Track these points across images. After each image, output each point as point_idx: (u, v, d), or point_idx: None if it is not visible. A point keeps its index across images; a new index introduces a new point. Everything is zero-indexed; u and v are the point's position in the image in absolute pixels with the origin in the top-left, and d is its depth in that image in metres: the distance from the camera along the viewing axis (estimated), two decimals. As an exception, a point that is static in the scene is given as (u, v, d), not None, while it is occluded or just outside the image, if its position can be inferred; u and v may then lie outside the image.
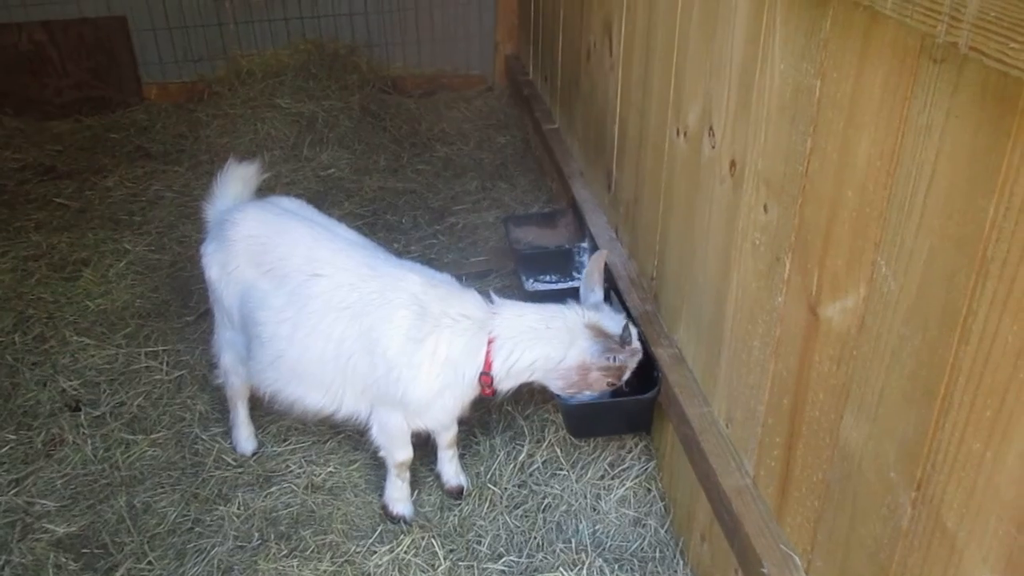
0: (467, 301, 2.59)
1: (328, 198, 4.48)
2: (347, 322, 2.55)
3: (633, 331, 2.60)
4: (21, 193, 4.54)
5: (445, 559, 2.65)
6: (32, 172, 4.75)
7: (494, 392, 2.61)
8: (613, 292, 2.95)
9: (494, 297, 2.64)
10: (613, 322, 2.57)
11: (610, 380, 2.57)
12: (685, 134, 2.42)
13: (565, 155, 3.97)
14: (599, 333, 2.53)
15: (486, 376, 2.55)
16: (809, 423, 1.80)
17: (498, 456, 2.99)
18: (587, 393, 2.62)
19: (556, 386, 2.63)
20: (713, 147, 2.21)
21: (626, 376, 2.60)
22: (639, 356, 2.62)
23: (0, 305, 3.69)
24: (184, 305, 3.71)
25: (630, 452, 2.94)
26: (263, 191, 3.08)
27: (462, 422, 2.89)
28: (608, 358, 2.52)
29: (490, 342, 2.54)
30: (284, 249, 2.67)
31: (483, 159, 4.91)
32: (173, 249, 4.09)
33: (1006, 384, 1.19)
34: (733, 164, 2.08)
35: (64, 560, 2.64)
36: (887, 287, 1.47)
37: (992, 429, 1.23)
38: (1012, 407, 1.19)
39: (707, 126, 2.23)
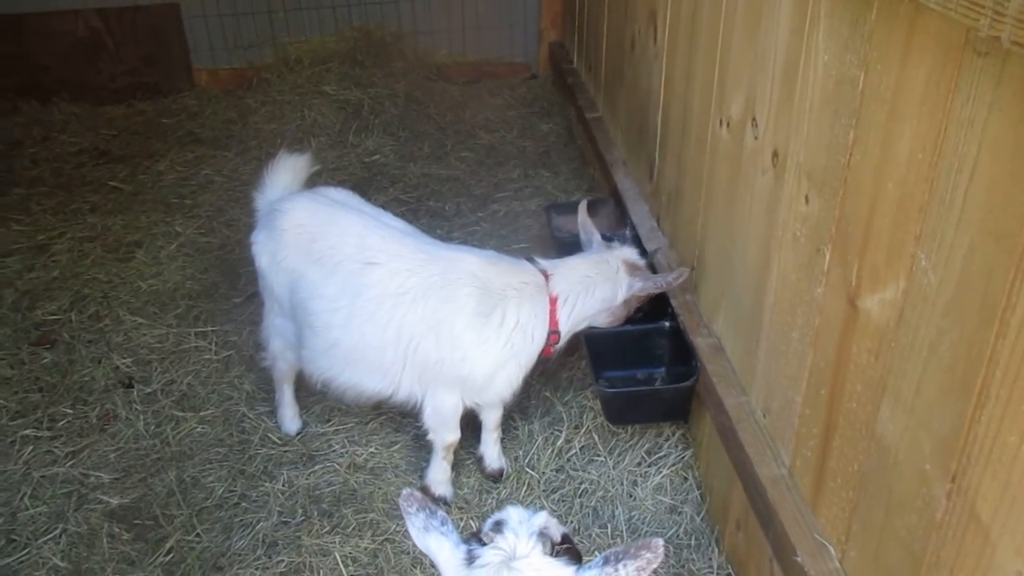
0: (524, 269, 2.77)
1: (373, 184, 4.55)
2: (407, 307, 2.63)
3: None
4: (77, 176, 4.68)
5: (482, 540, 2.70)
6: (88, 156, 4.89)
7: (552, 351, 2.77)
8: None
9: (538, 260, 2.82)
10: (634, 253, 2.91)
11: (638, 304, 2.90)
12: (728, 124, 2.42)
13: (607, 144, 3.98)
14: (633, 267, 2.83)
15: (554, 335, 2.73)
16: (846, 414, 1.81)
17: (536, 441, 3.03)
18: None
19: (603, 321, 2.88)
20: (756, 138, 2.21)
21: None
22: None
23: (58, 284, 3.82)
24: (232, 287, 3.81)
25: (667, 440, 2.96)
26: (310, 180, 3.14)
27: (503, 410, 2.93)
28: (657, 283, 2.79)
29: (553, 301, 2.71)
30: (334, 238, 2.73)
31: (526, 147, 4.94)
32: (222, 232, 4.19)
33: (1043, 378, 1.20)
34: (775, 155, 2.09)
35: (117, 530, 2.75)
36: (926, 280, 1.47)
37: (1028, 423, 1.23)
38: (1048, 401, 1.19)
39: (750, 117, 2.24)
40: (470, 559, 1.52)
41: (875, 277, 1.65)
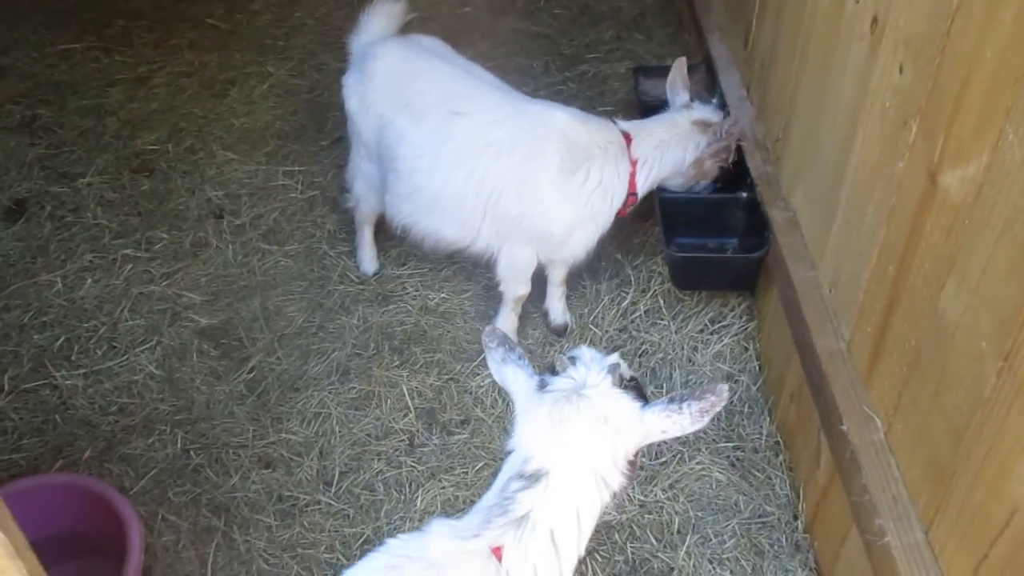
0: (609, 130, 2.77)
1: (462, 37, 4.47)
2: (491, 159, 2.66)
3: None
4: (176, 12, 4.74)
5: (542, 388, 2.83)
6: (186, -9, 4.94)
7: (626, 212, 2.82)
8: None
9: (619, 122, 2.83)
10: (710, 112, 2.90)
11: (720, 163, 2.86)
12: (830, -13, 2.31)
13: (705, 7, 3.82)
14: (704, 125, 2.83)
15: (632, 197, 2.76)
16: (911, 291, 1.80)
17: (603, 301, 3.10)
18: (703, 183, 2.93)
19: (675, 184, 2.92)
20: (857, 2, 2.11)
21: (732, 155, 2.85)
22: (737, 132, 2.87)
23: (156, 116, 3.97)
24: (320, 130, 3.89)
25: (732, 310, 2.99)
26: (404, 28, 3.13)
27: (571, 267, 3.00)
28: (717, 134, 2.80)
29: (634, 164, 2.73)
30: (423, 86, 2.76)
31: (621, 7, 4.76)
32: (312, 76, 4.24)
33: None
34: (875, 21, 1.99)
35: (206, 347, 2.97)
36: (1011, 155, 1.43)
37: (1089, 303, 1.22)
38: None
39: (854, -21, 2.13)
40: (542, 386, 1.61)
41: (959, 151, 1.60)
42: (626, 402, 1.58)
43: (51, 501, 2.29)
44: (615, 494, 1.60)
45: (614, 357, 1.68)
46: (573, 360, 1.65)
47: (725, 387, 1.57)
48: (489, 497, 1.60)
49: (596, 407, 1.56)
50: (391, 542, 1.56)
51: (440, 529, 1.56)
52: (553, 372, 1.64)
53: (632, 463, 1.61)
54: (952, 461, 1.61)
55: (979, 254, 1.53)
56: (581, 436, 1.55)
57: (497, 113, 2.68)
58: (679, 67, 2.97)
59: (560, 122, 2.68)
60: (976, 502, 1.53)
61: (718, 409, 1.56)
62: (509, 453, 1.63)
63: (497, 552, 1.52)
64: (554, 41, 4.52)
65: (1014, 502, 1.42)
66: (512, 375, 1.67)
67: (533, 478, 1.54)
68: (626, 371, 1.68)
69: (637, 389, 1.66)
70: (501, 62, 4.33)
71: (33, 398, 2.80)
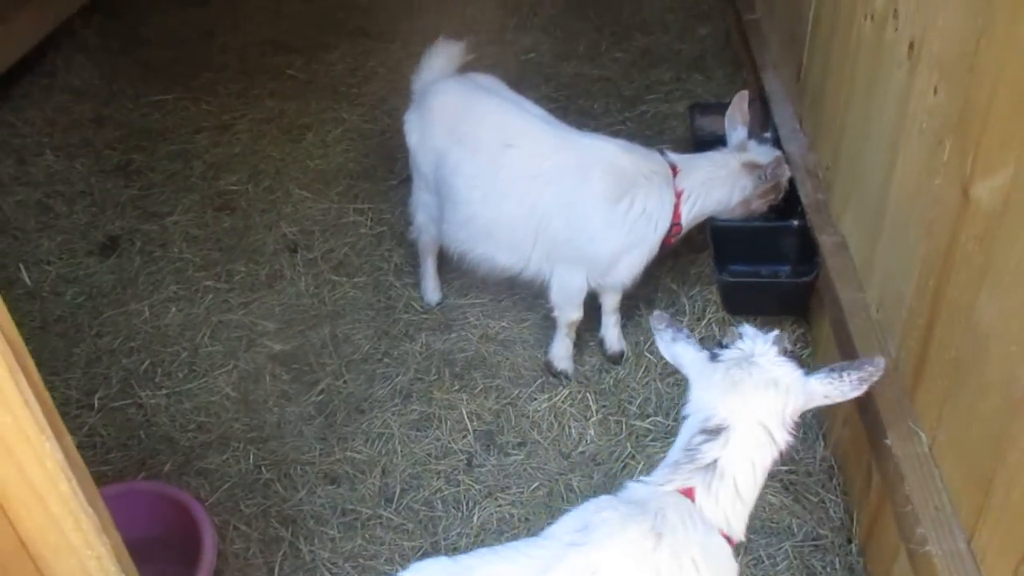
0: (654, 160, 2.87)
1: (526, 81, 4.66)
2: (541, 188, 2.80)
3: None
4: (259, 64, 5.07)
5: (597, 412, 2.91)
6: (269, 46, 5.26)
7: (673, 241, 2.90)
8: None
9: (667, 153, 2.91)
10: (761, 154, 2.93)
11: (769, 201, 2.93)
12: (872, 18, 2.38)
13: (761, 46, 3.91)
14: (753, 167, 2.88)
15: (677, 227, 2.84)
16: (949, 303, 1.84)
17: (657, 329, 3.16)
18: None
19: (722, 215, 2.97)
20: (896, 30, 2.18)
21: (781, 194, 2.91)
22: (786, 172, 2.92)
23: (238, 159, 4.24)
24: (389, 170, 4.10)
25: (787, 338, 3.01)
26: (466, 71, 3.32)
27: (628, 296, 3.08)
28: (761, 177, 2.85)
29: (678, 195, 2.81)
30: (477, 120, 2.92)
31: (681, 50, 4.90)
32: (383, 120, 4.46)
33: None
34: (912, 47, 2.06)
35: (278, 371, 3.14)
36: (1033, 163, 1.48)
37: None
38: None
39: (892, 8, 2.20)
40: (714, 357, 1.80)
41: (988, 164, 1.65)
42: (792, 368, 1.75)
43: (135, 506, 2.46)
44: (782, 452, 1.75)
45: (776, 332, 1.83)
46: (740, 336, 1.82)
47: (883, 360, 1.73)
48: (673, 453, 1.77)
49: (766, 371, 1.73)
50: (593, 500, 1.72)
51: (632, 486, 1.75)
52: (721, 346, 1.82)
53: (797, 424, 1.76)
54: (990, 466, 1.63)
55: (1009, 260, 1.57)
56: (754, 396, 1.71)
57: (546, 145, 2.81)
58: (740, 100, 3.04)
59: (606, 151, 2.80)
60: (1013, 504, 1.55)
61: (875, 379, 1.72)
62: (685, 418, 1.80)
63: (688, 493, 1.68)
64: (615, 83, 4.66)
65: (1047, 502, 1.43)
66: (682, 350, 1.86)
67: (715, 432, 1.70)
68: (787, 344, 1.84)
69: (797, 360, 1.81)
70: (563, 104, 4.50)
71: (120, 415, 3.00)
